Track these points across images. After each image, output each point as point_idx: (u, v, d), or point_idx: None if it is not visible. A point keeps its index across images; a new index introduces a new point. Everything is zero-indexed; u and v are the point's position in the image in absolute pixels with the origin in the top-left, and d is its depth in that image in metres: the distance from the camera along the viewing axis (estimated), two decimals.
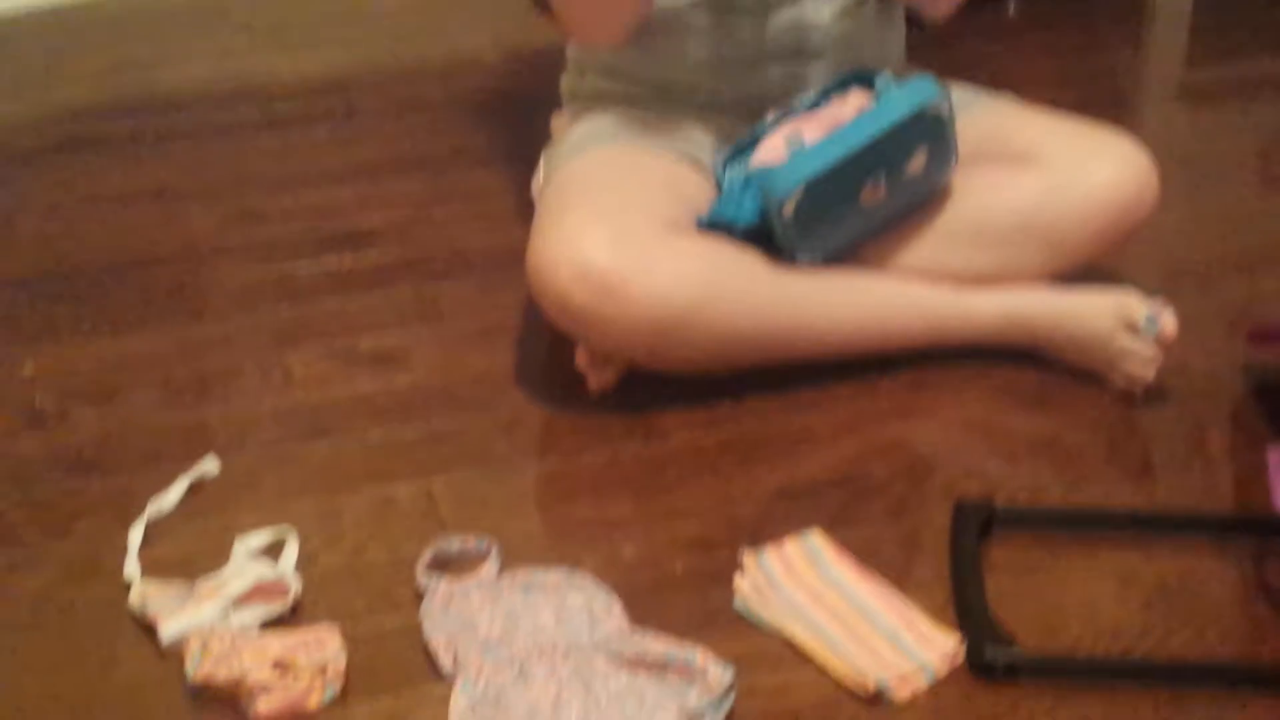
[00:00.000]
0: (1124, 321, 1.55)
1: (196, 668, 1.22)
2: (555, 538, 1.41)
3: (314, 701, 1.21)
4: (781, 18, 1.61)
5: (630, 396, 1.57)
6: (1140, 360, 1.55)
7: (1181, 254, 1.82)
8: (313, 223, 1.93)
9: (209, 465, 1.48)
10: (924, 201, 1.59)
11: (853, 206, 1.53)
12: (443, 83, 2.31)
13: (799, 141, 1.52)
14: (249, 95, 2.29)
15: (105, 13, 2.58)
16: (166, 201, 2.00)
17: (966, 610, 1.28)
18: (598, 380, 1.58)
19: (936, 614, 1.28)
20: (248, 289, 1.80)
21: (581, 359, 1.57)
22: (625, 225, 1.49)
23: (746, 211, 1.53)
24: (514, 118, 2.17)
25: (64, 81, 2.36)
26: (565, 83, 1.80)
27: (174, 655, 1.25)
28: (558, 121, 1.79)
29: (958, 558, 1.34)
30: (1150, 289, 1.58)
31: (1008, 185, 1.58)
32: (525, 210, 1.71)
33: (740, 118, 1.65)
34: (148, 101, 2.29)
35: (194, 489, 1.46)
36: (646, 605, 1.30)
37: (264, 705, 1.20)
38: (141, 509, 1.42)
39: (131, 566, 1.35)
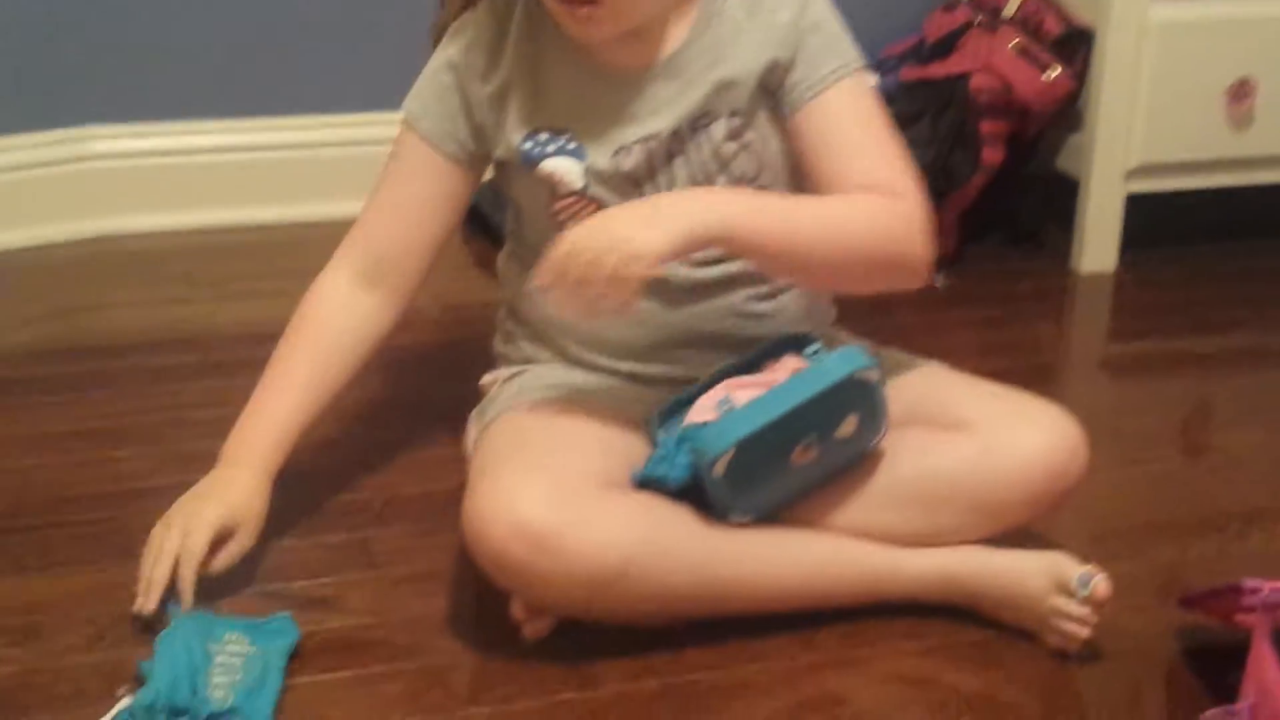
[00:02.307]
0: (1057, 583, 1.56)
1: None
2: None
3: None
4: (714, 306, 1.66)
5: (565, 644, 1.55)
6: (1074, 621, 1.56)
7: (1111, 519, 1.85)
8: None
9: (124, 702, 1.45)
10: (855, 463, 1.60)
11: (783, 468, 1.55)
12: None
13: (730, 404, 1.54)
14: (187, 342, 2.31)
15: (46, 261, 2.60)
16: (101, 443, 1.99)
17: None
18: (533, 629, 1.57)
19: None
20: None
21: (517, 609, 1.56)
22: (561, 481, 1.50)
23: (679, 470, 1.55)
24: (451, 372, 2.19)
25: (2, 327, 2.36)
26: (496, 344, 1.83)
27: None
28: (488, 380, 1.81)
29: None
30: (1082, 552, 1.60)
31: (939, 450, 1.60)
32: (459, 461, 1.72)
33: (670, 388, 1.67)
34: (86, 347, 2.29)
35: None
36: None
37: None
38: None
39: None
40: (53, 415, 2.07)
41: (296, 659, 1.54)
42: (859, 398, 1.55)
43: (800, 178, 1.67)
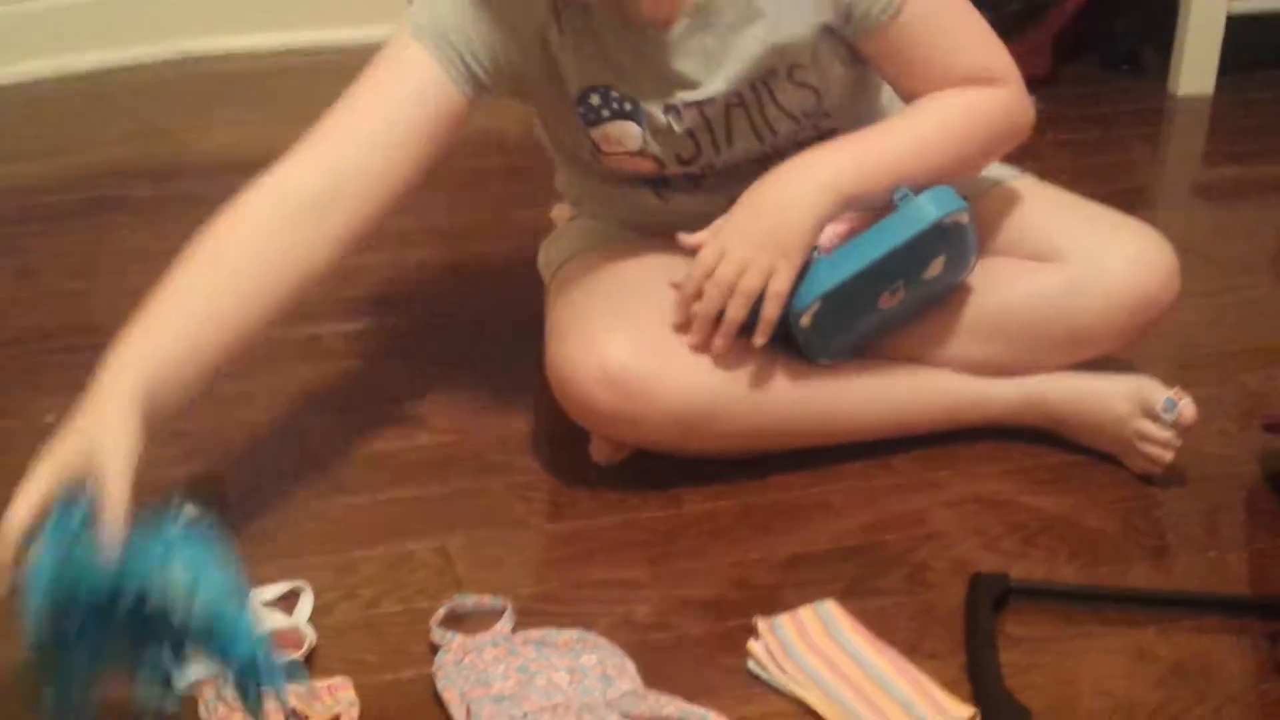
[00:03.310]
0: (1143, 406, 1.55)
1: (210, 714, 1.22)
2: (569, 598, 1.40)
3: None
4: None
5: (648, 465, 1.57)
6: (1158, 445, 1.55)
7: (1199, 344, 1.84)
8: (335, 288, 1.94)
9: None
10: (942, 299, 1.59)
11: (870, 312, 1.54)
12: (464, 159, 2.33)
13: (816, 253, 1.51)
14: (274, 163, 2.31)
15: (135, 80, 2.62)
16: None
17: (981, 681, 1.28)
18: (610, 457, 1.59)
19: (950, 687, 1.27)
20: (269, 349, 1.79)
21: (596, 452, 1.58)
22: (646, 328, 1.49)
23: None
24: (528, 194, 2.19)
25: (92, 144, 2.39)
26: (557, 181, 1.80)
27: (188, 701, 1.25)
28: (558, 212, 1.80)
29: (972, 630, 1.34)
30: (1168, 376, 1.59)
31: (1027, 280, 1.58)
32: (540, 284, 1.72)
33: None
34: (174, 166, 2.32)
35: None
36: (659, 667, 1.29)
37: None
38: None
39: None
40: (147, 234, 2.10)
41: (383, 470, 1.57)
42: (948, 239, 1.51)
43: (862, 87, 1.61)
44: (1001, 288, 1.58)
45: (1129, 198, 2.23)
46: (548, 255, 1.71)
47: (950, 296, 1.59)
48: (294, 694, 1.22)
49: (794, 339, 1.53)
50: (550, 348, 1.51)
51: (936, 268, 1.53)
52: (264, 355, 1.78)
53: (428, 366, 1.78)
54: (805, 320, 1.50)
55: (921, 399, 1.60)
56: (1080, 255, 1.57)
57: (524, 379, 1.73)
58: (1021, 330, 1.58)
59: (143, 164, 2.32)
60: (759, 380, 1.52)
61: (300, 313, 1.85)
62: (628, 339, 1.47)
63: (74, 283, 1.97)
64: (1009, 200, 1.66)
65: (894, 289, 1.52)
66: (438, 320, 1.88)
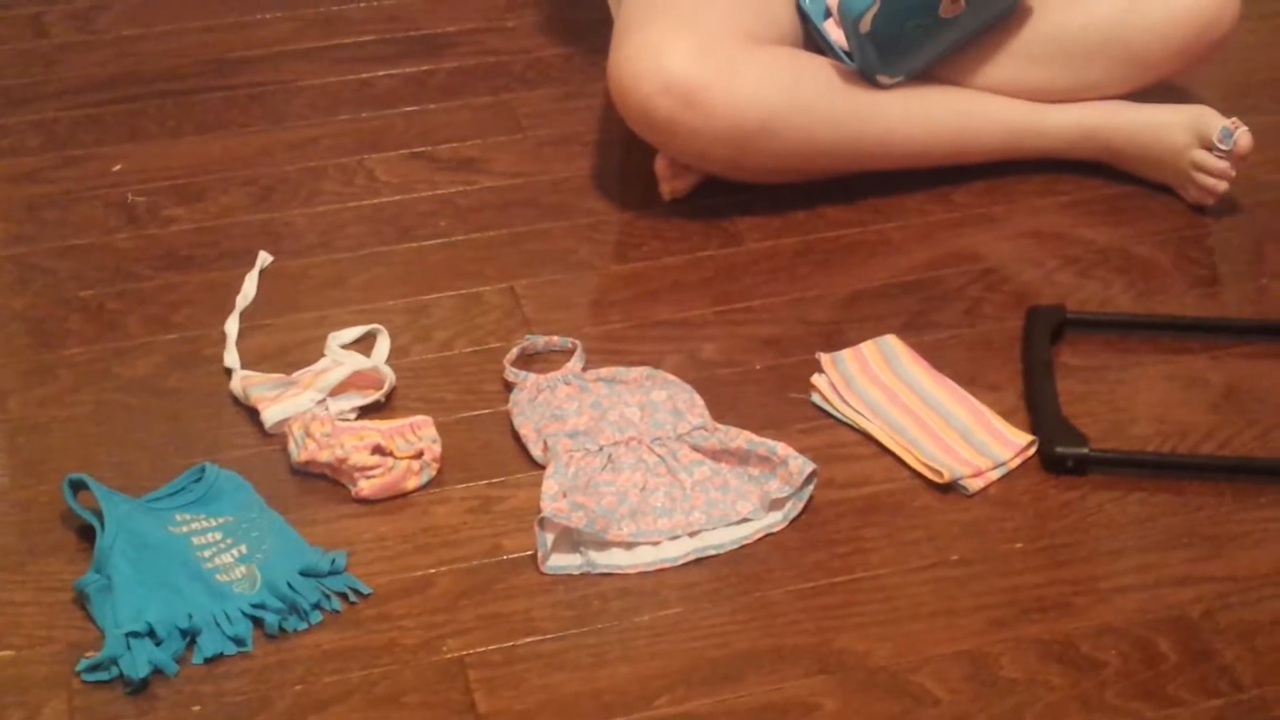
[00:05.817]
0: (1199, 136, 1.56)
1: (299, 450, 1.27)
2: (636, 337, 1.44)
3: (412, 483, 1.27)
4: None
5: (708, 204, 1.60)
6: (1213, 174, 1.56)
7: (1257, 72, 1.83)
8: (389, 30, 1.94)
9: (264, 259, 1.53)
10: (1003, 17, 1.59)
11: (931, 20, 1.54)
12: None
13: None
14: None
15: None
16: (243, 7, 2.01)
17: (1038, 407, 1.32)
18: (671, 188, 1.60)
19: (1008, 416, 1.32)
20: (327, 94, 1.82)
21: (660, 165, 1.60)
22: (707, 36, 1.50)
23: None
24: None
25: None
26: None
27: (276, 439, 1.31)
28: None
29: (1029, 360, 1.38)
30: (1225, 105, 1.59)
31: (1087, 2, 1.58)
32: (600, 20, 1.72)
33: None
34: None
35: (283, 285, 1.51)
36: (726, 402, 1.34)
37: (366, 486, 1.25)
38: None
39: (231, 356, 1.40)
40: None
41: (448, 215, 1.60)
42: None
43: None
44: (1060, 9, 1.59)
45: None
46: None
47: (1010, 18, 1.59)
48: (380, 431, 1.28)
49: (855, 58, 1.54)
50: (613, 53, 1.52)
51: None
52: (320, 99, 1.80)
53: (484, 109, 1.79)
54: (865, 24, 1.50)
55: (979, 123, 1.61)
56: None
57: (582, 120, 1.74)
58: (1083, 50, 1.59)
59: None
60: (817, 90, 1.54)
61: (349, 56, 1.88)
62: (689, 47, 1.48)
63: (131, 29, 1.96)
64: None
65: None
66: (493, 61, 1.88)
